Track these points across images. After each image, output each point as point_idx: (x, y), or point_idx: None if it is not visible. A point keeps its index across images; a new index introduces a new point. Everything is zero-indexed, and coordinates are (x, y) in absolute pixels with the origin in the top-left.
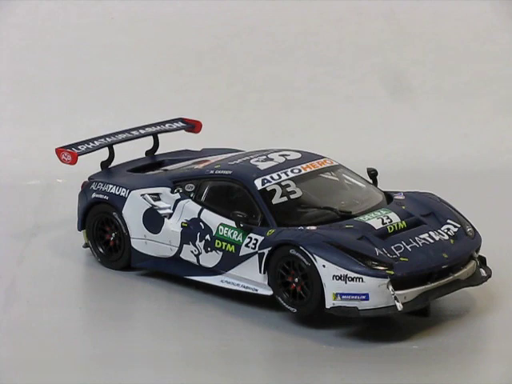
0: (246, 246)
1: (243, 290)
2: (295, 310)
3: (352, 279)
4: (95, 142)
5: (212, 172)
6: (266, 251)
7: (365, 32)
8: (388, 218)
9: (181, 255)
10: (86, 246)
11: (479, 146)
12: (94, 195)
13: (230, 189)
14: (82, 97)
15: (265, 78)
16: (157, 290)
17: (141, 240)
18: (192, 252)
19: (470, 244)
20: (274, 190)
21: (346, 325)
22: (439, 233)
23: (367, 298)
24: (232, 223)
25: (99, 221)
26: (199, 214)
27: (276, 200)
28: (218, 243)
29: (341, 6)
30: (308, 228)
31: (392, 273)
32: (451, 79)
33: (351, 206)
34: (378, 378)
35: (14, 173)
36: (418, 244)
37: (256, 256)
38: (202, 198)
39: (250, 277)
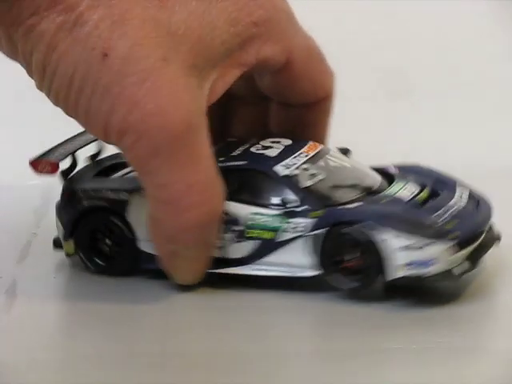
0: (286, 231)
1: (281, 274)
2: (355, 285)
3: (415, 248)
4: (68, 144)
5: (227, 164)
6: (315, 233)
7: (365, 32)
8: (410, 189)
9: None
10: (68, 255)
11: (479, 145)
12: (85, 203)
13: (248, 179)
14: None
15: None
16: (157, 290)
17: (149, 241)
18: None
19: (487, 207)
20: (297, 175)
21: (346, 324)
22: (459, 198)
23: (431, 264)
24: (264, 210)
25: (94, 229)
26: None
27: (304, 183)
28: (250, 232)
29: (341, 6)
30: (349, 206)
31: (456, 235)
32: (451, 79)
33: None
34: (378, 378)
35: (13, 173)
36: (452, 210)
37: (301, 239)
38: None
39: (293, 261)
